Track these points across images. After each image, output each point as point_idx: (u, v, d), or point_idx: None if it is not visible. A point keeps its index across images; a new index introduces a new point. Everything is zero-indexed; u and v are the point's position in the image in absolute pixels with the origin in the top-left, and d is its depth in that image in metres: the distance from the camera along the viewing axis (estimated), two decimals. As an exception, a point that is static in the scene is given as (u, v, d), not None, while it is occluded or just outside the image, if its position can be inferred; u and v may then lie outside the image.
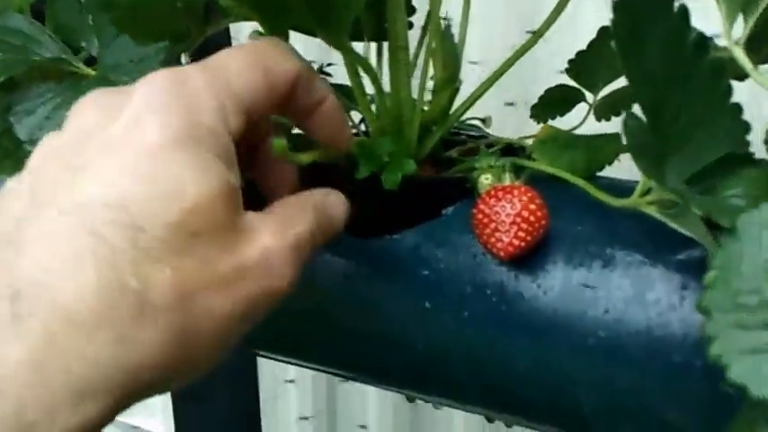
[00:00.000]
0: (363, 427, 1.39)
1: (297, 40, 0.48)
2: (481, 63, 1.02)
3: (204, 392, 0.96)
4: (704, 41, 0.41)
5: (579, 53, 0.59)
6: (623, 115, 0.37)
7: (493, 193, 0.47)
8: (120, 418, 0.36)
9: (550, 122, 0.61)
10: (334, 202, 0.47)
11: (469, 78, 0.57)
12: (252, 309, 0.39)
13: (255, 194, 0.46)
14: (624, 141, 0.37)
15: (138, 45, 0.49)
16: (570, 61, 0.59)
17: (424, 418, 1.35)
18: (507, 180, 0.48)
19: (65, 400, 0.33)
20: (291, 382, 1.42)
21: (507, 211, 0.46)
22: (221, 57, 0.42)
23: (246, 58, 0.42)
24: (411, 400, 0.58)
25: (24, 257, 0.35)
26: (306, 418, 1.44)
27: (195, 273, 0.36)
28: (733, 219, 0.31)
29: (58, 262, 0.34)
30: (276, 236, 0.40)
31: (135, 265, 0.35)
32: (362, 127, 0.60)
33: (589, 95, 0.61)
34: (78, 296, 0.34)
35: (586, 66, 0.59)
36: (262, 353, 0.64)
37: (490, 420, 0.55)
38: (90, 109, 0.40)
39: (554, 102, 0.61)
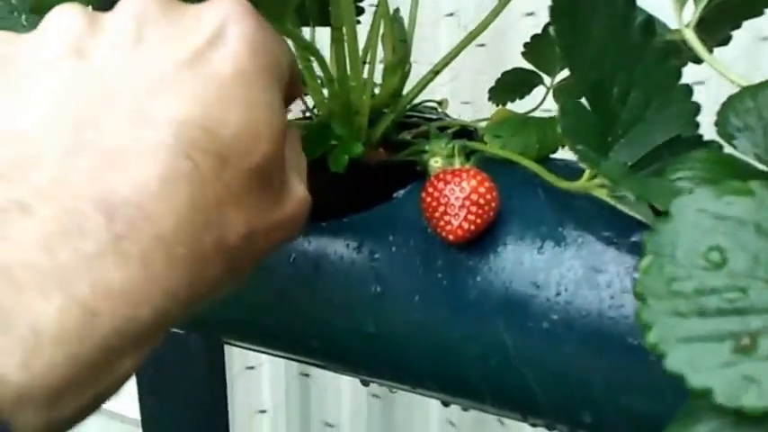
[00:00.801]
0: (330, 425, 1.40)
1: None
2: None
3: (170, 380, 0.96)
4: (651, 24, 0.41)
5: (534, 36, 0.59)
6: (561, 102, 0.37)
7: (442, 176, 0.47)
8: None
9: (510, 106, 0.61)
10: None
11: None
12: (270, 253, 0.40)
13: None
14: (559, 125, 0.37)
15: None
16: (526, 45, 0.60)
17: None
18: (457, 163, 0.48)
19: (148, 330, 0.32)
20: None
21: (456, 195, 0.46)
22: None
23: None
24: (365, 384, 0.58)
25: (116, 170, 0.32)
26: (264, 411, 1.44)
27: (258, 216, 0.37)
28: (667, 203, 0.30)
29: (154, 183, 0.32)
30: (302, 188, 0.41)
31: (218, 198, 0.34)
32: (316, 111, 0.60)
33: (547, 79, 0.60)
34: (173, 226, 0.32)
35: (542, 49, 0.59)
36: (225, 339, 0.64)
37: (445, 404, 0.55)
38: (146, 3, 0.38)
39: (512, 85, 0.61)
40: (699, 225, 0.30)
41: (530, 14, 0.91)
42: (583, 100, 0.41)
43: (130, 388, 0.95)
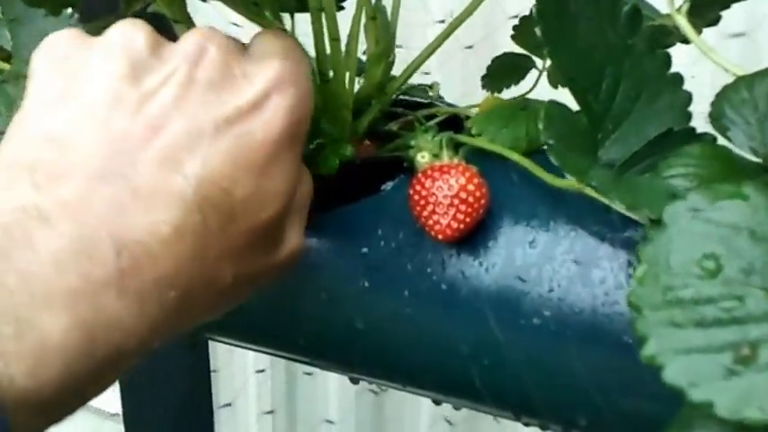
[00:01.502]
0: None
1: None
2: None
3: (152, 375, 0.96)
4: (637, 12, 0.41)
5: (523, 18, 0.58)
6: (547, 103, 0.37)
7: (429, 172, 0.46)
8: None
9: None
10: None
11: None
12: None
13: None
14: (543, 134, 0.36)
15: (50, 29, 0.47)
16: (515, 27, 0.59)
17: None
18: (445, 158, 0.47)
19: (130, 358, 0.35)
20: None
21: (444, 192, 0.45)
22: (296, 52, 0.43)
23: (302, 62, 0.43)
24: (355, 381, 0.57)
25: (136, 208, 0.35)
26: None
27: (249, 266, 0.40)
28: (659, 210, 0.30)
29: (167, 230, 0.35)
30: (298, 239, 0.44)
31: (218, 251, 0.37)
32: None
33: (539, 61, 0.60)
34: (172, 272, 0.35)
35: (532, 31, 0.58)
36: (208, 335, 0.64)
37: (437, 403, 0.55)
38: (215, 50, 0.40)
39: (504, 70, 0.60)
40: (692, 232, 0.30)
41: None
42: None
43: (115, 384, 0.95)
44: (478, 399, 0.50)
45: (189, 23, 0.48)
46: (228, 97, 0.38)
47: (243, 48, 0.42)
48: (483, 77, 0.61)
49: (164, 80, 0.38)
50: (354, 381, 0.57)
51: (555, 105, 0.38)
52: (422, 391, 0.53)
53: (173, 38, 0.42)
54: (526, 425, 0.51)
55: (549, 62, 0.59)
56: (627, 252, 0.44)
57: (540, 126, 0.36)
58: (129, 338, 0.34)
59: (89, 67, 0.39)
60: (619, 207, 0.40)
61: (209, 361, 0.98)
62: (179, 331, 0.38)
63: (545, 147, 0.49)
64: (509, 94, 0.60)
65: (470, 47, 1.02)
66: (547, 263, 0.45)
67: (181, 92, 0.38)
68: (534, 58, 0.60)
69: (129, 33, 0.40)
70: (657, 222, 0.30)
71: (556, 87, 0.59)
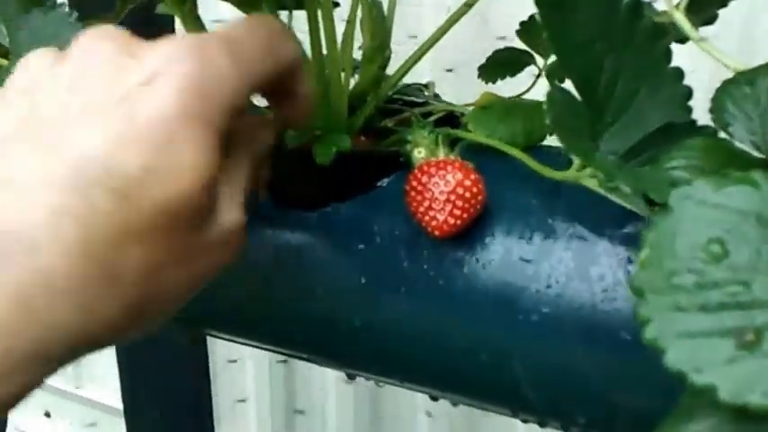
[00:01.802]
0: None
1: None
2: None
3: (152, 370, 0.95)
4: (638, 4, 0.40)
5: (532, 16, 0.58)
6: (548, 88, 0.36)
7: (425, 168, 0.46)
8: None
9: (498, 86, 0.60)
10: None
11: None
12: (202, 281, 0.41)
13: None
14: (547, 116, 0.36)
15: (49, 27, 0.47)
16: (522, 23, 0.58)
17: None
18: (441, 154, 0.47)
19: (21, 364, 0.33)
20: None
21: (441, 189, 0.45)
22: (239, 31, 0.41)
23: (262, 38, 0.41)
24: (351, 378, 0.57)
25: (5, 195, 0.34)
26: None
27: (165, 251, 0.37)
28: (665, 194, 0.30)
29: (41, 214, 0.33)
30: (234, 216, 0.41)
31: (113, 234, 0.34)
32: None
33: (540, 60, 0.59)
34: (55, 260, 0.33)
35: (538, 29, 0.58)
36: (207, 332, 0.63)
37: (434, 399, 0.55)
38: (103, 41, 0.38)
39: (502, 64, 0.60)
40: (699, 217, 0.30)
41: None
42: (570, 86, 0.40)
43: (113, 377, 0.95)
44: (476, 395, 0.50)
45: (198, 25, 0.48)
46: (118, 79, 0.37)
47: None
48: (480, 67, 0.60)
49: (54, 77, 0.38)
50: (351, 377, 0.57)
51: (558, 90, 0.37)
52: (420, 387, 0.52)
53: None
54: (524, 422, 0.50)
55: (549, 61, 0.59)
56: (626, 248, 0.43)
57: (544, 107, 0.36)
58: (15, 339, 0.32)
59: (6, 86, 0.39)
60: (619, 198, 0.40)
61: (208, 356, 0.98)
62: (107, 339, 0.36)
63: (541, 143, 0.50)
64: (506, 94, 0.60)
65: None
66: (544, 259, 0.45)
67: (73, 83, 0.37)
68: (536, 56, 0.59)
69: (33, 57, 0.40)
70: (663, 206, 0.30)
71: (552, 83, 0.59)
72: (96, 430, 1.72)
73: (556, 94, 0.36)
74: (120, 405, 1.06)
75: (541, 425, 0.50)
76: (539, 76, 0.60)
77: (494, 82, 0.61)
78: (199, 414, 1.00)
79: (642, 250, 0.30)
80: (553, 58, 0.59)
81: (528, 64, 0.60)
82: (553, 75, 0.59)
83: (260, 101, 0.47)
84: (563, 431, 0.49)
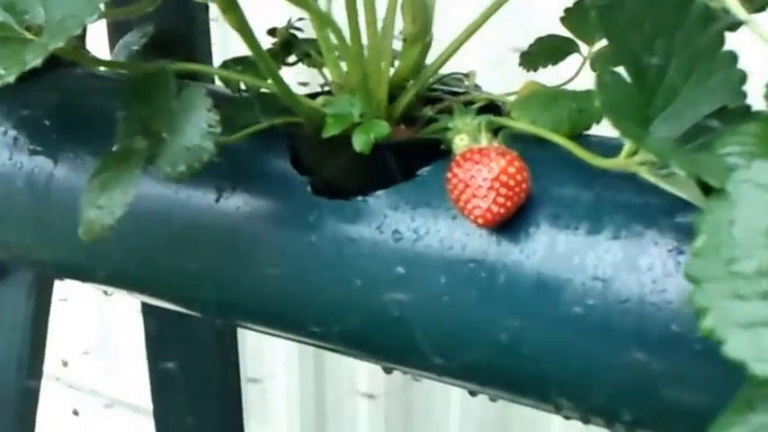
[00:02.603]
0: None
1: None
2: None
3: (181, 368, 0.95)
4: (690, -14, 0.39)
5: (578, 2, 0.57)
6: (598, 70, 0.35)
7: (468, 155, 0.45)
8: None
9: (541, 74, 0.59)
10: None
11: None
12: None
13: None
14: (597, 99, 0.35)
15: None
16: (567, 10, 0.57)
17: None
18: (484, 141, 0.46)
19: None
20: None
21: (484, 176, 0.44)
22: None
23: None
24: (388, 371, 0.56)
25: None
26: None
27: None
28: (722, 179, 0.29)
29: None
30: None
31: None
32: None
33: (584, 47, 0.58)
34: None
35: (584, 14, 0.57)
36: (240, 323, 0.63)
37: (472, 394, 0.54)
38: None
39: (545, 51, 0.59)
40: (758, 201, 0.29)
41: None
42: (621, 70, 0.39)
43: (142, 377, 0.95)
44: (518, 390, 0.49)
45: (247, 31, 0.47)
46: None
47: None
48: (522, 55, 0.59)
49: None
50: (388, 371, 0.56)
51: (609, 73, 0.37)
52: (457, 381, 0.52)
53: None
54: (566, 418, 0.50)
55: (595, 48, 0.58)
56: (675, 237, 0.42)
57: (593, 93, 0.35)
58: None
59: None
60: (669, 186, 0.39)
61: (237, 350, 0.98)
62: None
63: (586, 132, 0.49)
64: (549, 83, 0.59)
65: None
66: (590, 249, 0.44)
67: None
68: (580, 43, 0.58)
69: None
70: (719, 191, 0.29)
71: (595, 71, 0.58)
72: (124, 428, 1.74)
73: (607, 77, 0.36)
74: (145, 404, 1.07)
75: (584, 421, 0.49)
76: (583, 63, 0.59)
77: (535, 70, 0.60)
78: (230, 411, 1.00)
79: (697, 237, 0.29)
80: (599, 45, 0.58)
81: (571, 52, 0.59)
82: (598, 62, 0.58)
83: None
84: (607, 429, 0.48)
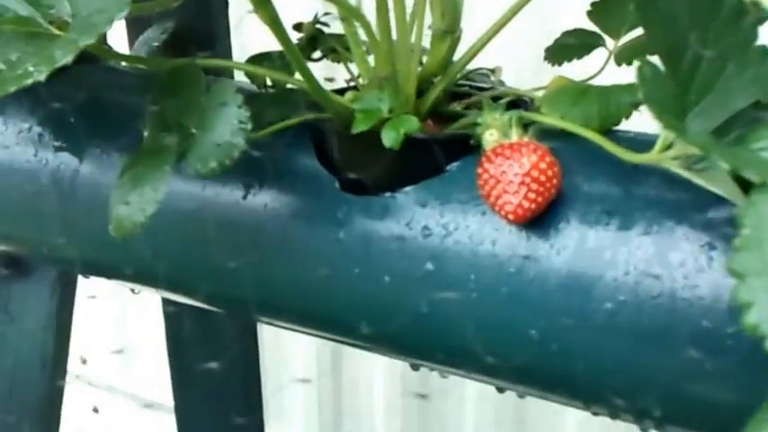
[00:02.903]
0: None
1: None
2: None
3: (202, 366, 0.96)
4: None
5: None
6: (636, 62, 0.35)
7: (499, 150, 0.45)
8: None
9: (565, 70, 0.59)
10: None
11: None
12: None
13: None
14: (639, 91, 0.35)
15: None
16: (593, 4, 0.57)
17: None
18: (514, 136, 0.46)
19: None
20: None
21: (515, 171, 0.44)
22: None
23: None
24: (415, 368, 0.57)
25: None
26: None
27: None
28: (765, 173, 0.29)
29: None
30: None
31: None
32: (360, 80, 0.58)
33: (609, 41, 0.58)
34: None
35: (611, 9, 0.57)
36: (266, 320, 0.63)
37: (500, 390, 0.54)
38: None
39: (570, 46, 0.59)
40: (801, 196, 0.29)
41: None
42: (656, 62, 0.39)
43: (162, 374, 0.95)
44: (547, 387, 0.49)
45: (278, 26, 0.47)
46: None
47: None
48: (547, 50, 0.60)
49: None
50: (415, 367, 0.56)
51: (649, 65, 0.37)
52: (486, 378, 0.52)
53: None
54: (595, 414, 0.50)
55: (620, 43, 0.58)
56: (708, 233, 0.42)
57: (636, 81, 0.35)
58: None
59: None
60: (703, 181, 0.39)
61: (257, 347, 0.98)
62: None
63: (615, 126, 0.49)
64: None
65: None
66: (622, 245, 0.44)
67: None
68: (606, 37, 0.58)
69: None
70: (762, 187, 0.29)
71: (620, 65, 0.58)
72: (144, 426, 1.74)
73: (647, 69, 0.35)
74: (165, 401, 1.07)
75: (613, 417, 0.49)
76: (609, 58, 0.59)
77: (560, 64, 0.60)
78: (250, 409, 1.01)
79: (740, 232, 0.29)
80: (624, 39, 0.58)
81: (596, 46, 0.59)
82: (622, 57, 0.58)
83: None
84: (637, 425, 0.48)
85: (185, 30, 0.76)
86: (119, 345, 1.80)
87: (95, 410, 1.80)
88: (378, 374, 1.49)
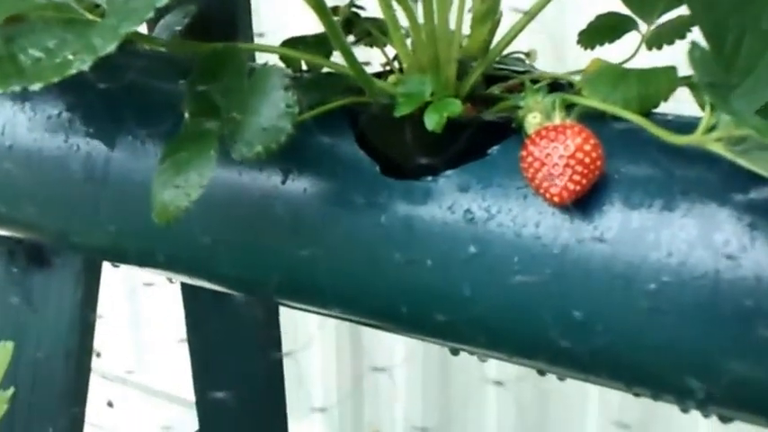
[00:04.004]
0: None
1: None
2: None
3: (224, 360, 0.98)
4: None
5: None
6: (687, 45, 0.38)
7: (544, 133, 0.47)
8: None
9: (597, 53, 0.61)
10: None
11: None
12: None
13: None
14: (694, 73, 0.38)
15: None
16: (628, -14, 0.59)
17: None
18: (557, 119, 0.49)
19: None
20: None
21: (560, 153, 0.46)
22: None
23: None
24: (455, 353, 0.59)
25: None
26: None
27: None
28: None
29: None
30: None
31: None
32: (396, 64, 0.60)
33: (642, 25, 0.61)
34: None
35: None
36: (288, 303, 0.65)
37: (541, 373, 0.56)
38: None
39: (603, 29, 0.62)
40: None
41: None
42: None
43: (185, 370, 0.97)
44: (590, 369, 0.51)
45: (323, 8, 0.49)
46: None
47: None
48: (580, 33, 0.62)
49: None
50: (455, 351, 0.58)
51: (697, 47, 0.39)
52: (528, 361, 0.54)
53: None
54: (636, 395, 0.52)
55: (653, 26, 0.60)
56: (750, 213, 0.44)
57: (690, 63, 0.37)
58: None
59: None
60: (747, 162, 0.42)
61: (280, 332, 1.00)
62: None
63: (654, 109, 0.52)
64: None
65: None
66: (665, 226, 0.46)
67: None
68: (639, 21, 0.60)
69: None
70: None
71: (650, 49, 0.61)
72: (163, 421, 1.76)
73: (696, 52, 0.38)
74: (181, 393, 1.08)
75: (655, 398, 0.51)
76: (642, 41, 0.61)
77: (592, 48, 0.62)
78: (273, 404, 1.02)
79: None
80: (658, 23, 0.60)
81: (628, 30, 0.62)
82: (653, 39, 0.61)
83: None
84: (678, 405, 0.50)
85: (207, 13, 0.78)
86: (132, 337, 1.82)
87: (110, 404, 1.82)
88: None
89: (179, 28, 0.77)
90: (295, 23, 0.66)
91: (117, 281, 1.64)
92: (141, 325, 1.82)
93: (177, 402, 1.73)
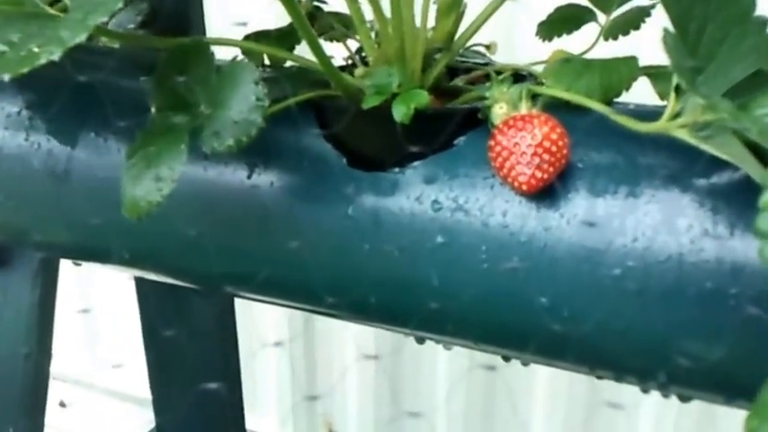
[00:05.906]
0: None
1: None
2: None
3: (180, 357, 0.98)
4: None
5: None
6: (662, 32, 0.39)
7: (511, 123, 0.48)
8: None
9: (549, 47, 0.62)
10: None
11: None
12: None
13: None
14: (668, 60, 0.39)
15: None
16: (589, -22, 0.61)
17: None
18: (524, 109, 0.50)
19: None
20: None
21: (528, 142, 0.48)
22: None
23: None
24: (420, 341, 0.59)
25: None
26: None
27: None
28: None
29: None
30: None
31: None
32: (358, 57, 0.61)
33: (601, 16, 0.62)
34: None
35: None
36: (253, 297, 0.65)
37: (506, 359, 0.57)
38: None
39: (562, 20, 0.63)
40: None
41: None
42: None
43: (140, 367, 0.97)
44: (556, 354, 0.52)
45: (291, 2, 0.49)
46: None
47: None
48: (539, 24, 0.63)
49: None
50: (420, 340, 0.59)
51: (670, 34, 0.40)
52: (497, 349, 0.55)
53: None
54: (599, 378, 0.53)
55: (612, 17, 0.62)
56: (712, 198, 0.46)
57: (663, 47, 0.38)
58: None
59: None
60: (712, 148, 0.43)
61: (236, 328, 1.00)
62: None
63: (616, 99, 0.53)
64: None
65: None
66: (630, 212, 0.47)
67: None
68: (597, 11, 0.62)
69: None
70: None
71: (607, 40, 0.62)
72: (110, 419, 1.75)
73: (669, 39, 0.39)
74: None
75: (617, 381, 0.52)
76: (601, 32, 0.62)
77: (550, 39, 0.63)
78: (230, 396, 1.02)
79: (764, 193, 0.32)
80: (616, 14, 0.62)
81: (587, 21, 0.63)
82: (610, 30, 0.62)
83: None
84: (640, 387, 0.52)
85: (159, 10, 0.77)
86: (84, 337, 1.81)
87: (62, 405, 1.80)
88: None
89: (132, 26, 0.77)
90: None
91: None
92: (93, 323, 1.81)
93: (131, 401, 1.72)
